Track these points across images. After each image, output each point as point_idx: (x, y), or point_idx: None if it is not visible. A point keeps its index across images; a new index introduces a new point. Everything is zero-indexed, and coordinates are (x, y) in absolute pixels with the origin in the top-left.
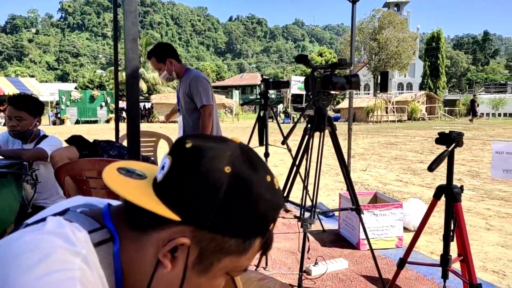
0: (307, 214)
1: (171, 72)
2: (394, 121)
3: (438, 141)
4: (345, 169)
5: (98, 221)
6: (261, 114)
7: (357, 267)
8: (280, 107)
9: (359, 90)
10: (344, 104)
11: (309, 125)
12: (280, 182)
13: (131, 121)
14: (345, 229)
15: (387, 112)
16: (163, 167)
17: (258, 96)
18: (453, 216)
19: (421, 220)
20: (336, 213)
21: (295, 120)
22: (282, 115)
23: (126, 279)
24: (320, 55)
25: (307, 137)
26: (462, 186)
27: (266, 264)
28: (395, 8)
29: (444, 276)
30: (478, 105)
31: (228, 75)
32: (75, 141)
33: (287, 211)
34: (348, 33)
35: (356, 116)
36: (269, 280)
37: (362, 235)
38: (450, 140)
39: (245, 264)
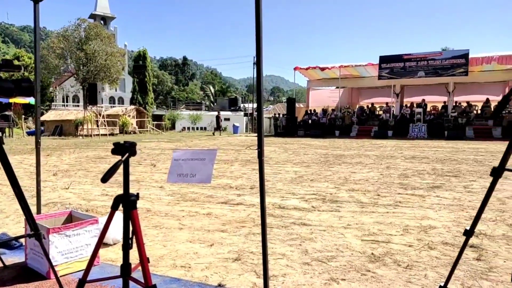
0: None
1: None
2: (105, 135)
3: (114, 151)
4: (17, 189)
5: None
6: None
7: None
8: None
9: (63, 101)
10: (48, 116)
11: None
12: None
13: None
14: (33, 259)
15: (98, 126)
16: None
17: None
18: (133, 224)
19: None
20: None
21: None
22: None
23: None
24: (17, 58)
25: None
26: (138, 194)
27: None
28: (102, 22)
29: (125, 286)
30: (221, 120)
31: None
32: None
33: None
34: (52, 39)
35: (63, 129)
36: None
37: (52, 262)
38: (124, 150)
39: None
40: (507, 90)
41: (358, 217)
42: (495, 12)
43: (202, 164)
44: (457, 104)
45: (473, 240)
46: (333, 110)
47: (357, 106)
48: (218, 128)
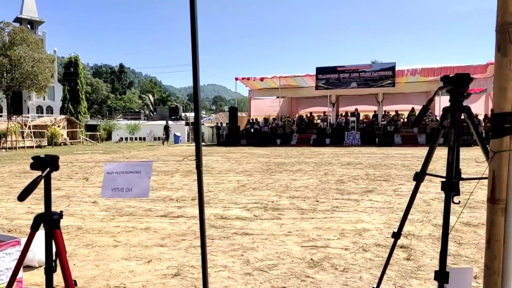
0: None
1: None
2: (32, 147)
3: (33, 166)
4: None
5: None
6: None
7: None
8: None
9: None
10: None
11: None
12: None
13: None
14: None
15: (23, 137)
16: None
17: None
18: (56, 244)
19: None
20: None
21: None
22: None
23: None
24: None
25: None
26: (61, 212)
27: None
28: (29, 26)
29: None
30: (170, 130)
31: None
32: None
33: None
34: None
35: None
36: None
37: None
38: (45, 164)
39: None
40: None
41: (298, 224)
42: (418, 27)
43: (138, 177)
44: (386, 113)
45: (403, 241)
46: (274, 119)
47: (297, 115)
48: (167, 138)
